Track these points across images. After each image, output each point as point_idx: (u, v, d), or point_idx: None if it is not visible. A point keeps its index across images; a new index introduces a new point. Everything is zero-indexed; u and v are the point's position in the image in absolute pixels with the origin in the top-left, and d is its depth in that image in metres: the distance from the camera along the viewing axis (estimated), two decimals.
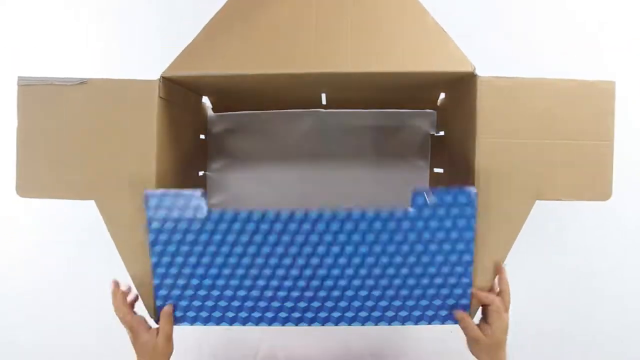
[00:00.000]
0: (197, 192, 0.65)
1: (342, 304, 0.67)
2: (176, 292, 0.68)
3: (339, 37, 0.66)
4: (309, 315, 0.68)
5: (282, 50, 0.66)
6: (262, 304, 0.68)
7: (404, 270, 0.67)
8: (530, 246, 0.91)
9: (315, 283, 0.67)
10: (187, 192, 0.64)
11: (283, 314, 0.68)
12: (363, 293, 0.67)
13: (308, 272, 0.67)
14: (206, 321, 0.68)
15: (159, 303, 0.68)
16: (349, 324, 0.68)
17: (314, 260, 0.67)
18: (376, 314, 0.67)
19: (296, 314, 0.68)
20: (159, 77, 0.66)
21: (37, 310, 0.94)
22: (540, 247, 0.92)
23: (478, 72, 0.65)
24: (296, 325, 0.68)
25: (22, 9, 0.93)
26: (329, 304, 0.67)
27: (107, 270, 0.92)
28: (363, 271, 0.67)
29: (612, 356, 0.92)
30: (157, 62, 0.91)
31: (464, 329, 0.67)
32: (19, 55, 0.93)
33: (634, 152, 0.92)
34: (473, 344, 0.67)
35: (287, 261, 0.67)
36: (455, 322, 0.68)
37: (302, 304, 0.68)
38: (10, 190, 0.94)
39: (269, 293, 0.67)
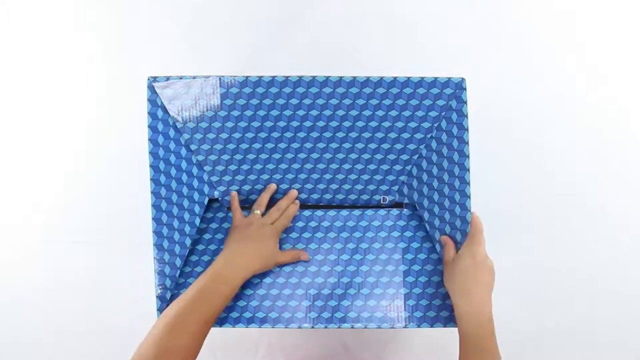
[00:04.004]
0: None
1: (345, 302, 0.68)
2: (177, 291, 0.68)
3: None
4: (312, 315, 0.68)
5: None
6: (266, 303, 0.68)
7: (403, 267, 0.68)
8: (513, 246, 0.92)
9: (319, 280, 0.68)
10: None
11: (287, 314, 0.68)
12: (365, 291, 0.68)
13: (313, 268, 0.68)
14: None
15: (159, 304, 0.68)
16: (352, 326, 0.67)
17: (319, 257, 0.68)
18: (378, 314, 0.67)
19: (300, 314, 0.68)
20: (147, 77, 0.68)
21: (37, 311, 0.93)
22: (526, 247, 0.93)
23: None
24: (299, 327, 0.68)
25: (22, 8, 0.92)
26: (332, 302, 0.68)
27: (106, 270, 0.94)
28: (364, 267, 0.68)
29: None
30: (155, 61, 0.93)
31: (445, 254, 0.66)
32: (19, 54, 0.93)
33: (621, 153, 0.92)
34: (444, 269, 0.66)
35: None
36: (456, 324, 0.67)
37: (306, 303, 0.68)
38: (9, 190, 0.95)
39: (274, 292, 0.68)
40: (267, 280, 0.68)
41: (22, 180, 0.93)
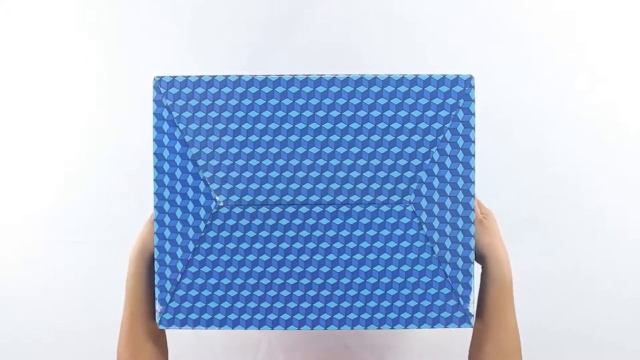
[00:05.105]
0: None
1: (345, 304, 0.67)
2: (180, 292, 0.68)
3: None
4: (312, 317, 0.67)
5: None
6: (265, 304, 0.67)
7: (405, 267, 0.67)
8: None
9: (318, 281, 0.67)
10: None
11: (286, 316, 0.67)
12: (365, 292, 0.67)
13: (312, 269, 0.67)
14: (208, 324, 0.68)
15: (158, 306, 0.68)
16: (351, 327, 0.67)
17: (317, 257, 0.67)
18: (379, 315, 0.67)
19: (299, 316, 0.67)
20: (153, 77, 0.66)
21: (37, 311, 0.93)
22: (525, 248, 0.93)
23: (476, 75, 0.66)
24: (298, 328, 0.67)
25: (22, 8, 0.92)
26: (331, 304, 0.67)
27: (106, 270, 0.94)
28: (365, 268, 0.67)
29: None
30: (155, 61, 0.93)
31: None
32: (19, 54, 0.93)
33: (620, 155, 0.92)
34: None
35: (290, 257, 0.67)
36: (458, 324, 0.67)
37: (305, 304, 0.67)
38: (9, 189, 0.95)
39: (272, 293, 0.67)
40: (265, 281, 0.67)
41: (22, 180, 0.93)
